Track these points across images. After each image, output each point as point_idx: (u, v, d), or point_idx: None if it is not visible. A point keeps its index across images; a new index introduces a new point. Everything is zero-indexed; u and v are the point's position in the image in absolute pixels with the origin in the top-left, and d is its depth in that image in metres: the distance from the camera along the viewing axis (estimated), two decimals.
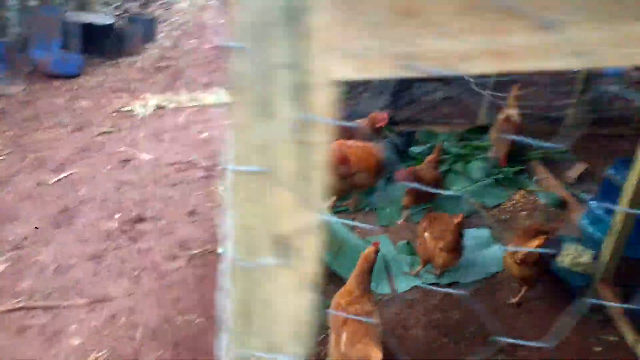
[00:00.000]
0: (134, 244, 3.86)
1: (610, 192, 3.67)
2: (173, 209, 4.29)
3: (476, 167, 4.71)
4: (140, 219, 4.14)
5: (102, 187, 4.60)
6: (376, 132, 4.39)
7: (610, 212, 3.51)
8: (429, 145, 4.93)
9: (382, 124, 4.41)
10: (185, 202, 4.39)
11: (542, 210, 4.28)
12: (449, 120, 5.57)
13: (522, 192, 4.51)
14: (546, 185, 4.56)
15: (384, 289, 3.40)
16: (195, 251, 3.78)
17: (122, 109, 6.30)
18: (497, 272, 3.52)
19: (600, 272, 3.36)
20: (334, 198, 4.12)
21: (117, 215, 4.18)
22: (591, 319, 3.15)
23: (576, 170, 4.68)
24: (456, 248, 3.21)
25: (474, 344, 2.91)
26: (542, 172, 4.67)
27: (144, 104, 6.39)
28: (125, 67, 7.82)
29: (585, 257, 3.47)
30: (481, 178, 4.58)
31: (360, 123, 4.41)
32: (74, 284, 3.45)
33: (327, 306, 2.70)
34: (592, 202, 3.89)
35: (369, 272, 2.59)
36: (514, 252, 3.05)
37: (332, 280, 3.16)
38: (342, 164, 3.79)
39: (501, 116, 4.72)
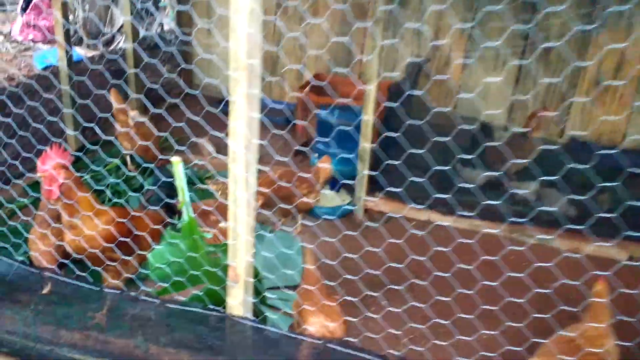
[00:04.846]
0: None
1: (324, 129, 4.47)
2: None
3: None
4: None
5: None
6: None
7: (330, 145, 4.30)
8: None
9: None
10: None
11: None
12: None
13: (209, 181, 4.21)
14: (217, 164, 4.22)
15: None
16: None
17: None
18: None
19: (364, 190, 4.13)
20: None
21: None
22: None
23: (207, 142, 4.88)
24: None
25: None
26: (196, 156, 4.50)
27: None
28: None
29: (346, 197, 4.32)
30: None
31: None
32: None
33: None
34: (317, 140, 4.54)
35: None
36: None
37: None
38: None
39: (123, 119, 4.27)
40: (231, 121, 1.99)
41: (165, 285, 2.44)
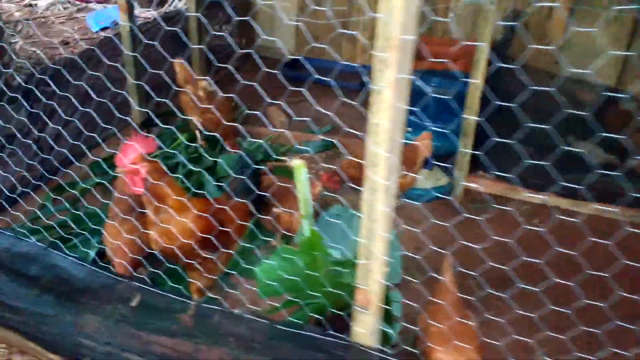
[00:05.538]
0: None
1: (417, 98, 3.80)
2: None
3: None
4: None
5: None
6: None
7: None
8: None
9: None
10: None
11: (330, 157, 4.04)
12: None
13: (287, 157, 3.99)
14: (300, 137, 4.21)
15: None
16: None
17: None
18: None
19: (465, 169, 3.62)
20: None
21: None
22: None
23: (279, 116, 4.47)
24: None
25: None
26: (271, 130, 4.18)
27: None
28: None
29: (441, 177, 3.82)
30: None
31: None
32: None
33: None
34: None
35: None
36: None
37: None
38: None
39: (192, 92, 3.87)
40: (372, 116, 1.54)
41: (276, 304, 2.07)
